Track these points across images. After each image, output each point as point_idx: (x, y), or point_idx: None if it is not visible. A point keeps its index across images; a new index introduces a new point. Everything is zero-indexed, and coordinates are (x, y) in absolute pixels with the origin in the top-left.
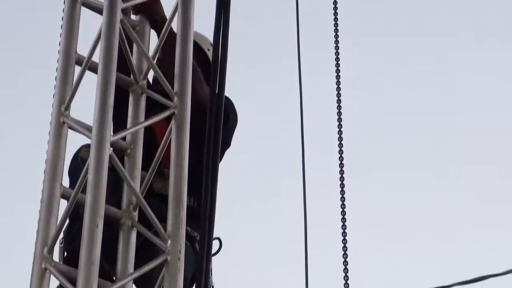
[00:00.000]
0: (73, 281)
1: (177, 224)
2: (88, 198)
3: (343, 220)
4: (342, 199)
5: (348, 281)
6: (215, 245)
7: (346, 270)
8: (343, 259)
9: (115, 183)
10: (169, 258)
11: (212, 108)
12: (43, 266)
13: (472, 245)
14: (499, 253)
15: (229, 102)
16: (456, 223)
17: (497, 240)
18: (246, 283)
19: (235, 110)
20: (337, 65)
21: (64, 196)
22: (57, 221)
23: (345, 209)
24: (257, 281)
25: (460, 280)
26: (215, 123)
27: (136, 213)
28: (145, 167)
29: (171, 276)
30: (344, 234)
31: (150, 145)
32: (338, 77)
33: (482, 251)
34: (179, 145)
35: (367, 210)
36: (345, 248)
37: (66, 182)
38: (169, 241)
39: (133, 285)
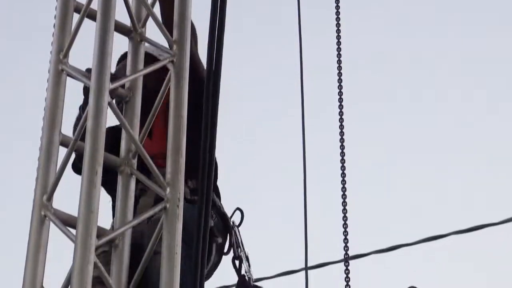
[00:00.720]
0: (72, 228)
1: (176, 172)
2: (87, 145)
3: (343, 168)
4: (342, 154)
5: (348, 237)
6: (237, 216)
7: (345, 226)
8: (343, 215)
9: None
10: (168, 205)
11: (209, 83)
12: (42, 213)
13: (470, 194)
14: (498, 202)
15: None
16: (457, 173)
17: (496, 189)
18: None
19: None
20: (337, 7)
21: (63, 143)
22: (56, 168)
23: (344, 164)
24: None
25: (457, 229)
26: (212, 98)
27: (135, 161)
28: None
29: (170, 223)
30: (343, 188)
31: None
32: (338, 25)
33: (480, 200)
34: (178, 93)
35: (367, 161)
36: (344, 195)
37: (65, 129)
38: (168, 189)
39: None
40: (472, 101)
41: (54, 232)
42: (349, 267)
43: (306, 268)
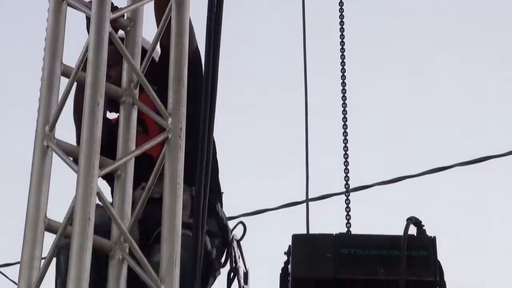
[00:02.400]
0: (74, 159)
1: (178, 102)
2: (89, 76)
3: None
4: (343, 84)
5: (348, 167)
6: (239, 229)
7: (346, 156)
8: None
9: None
10: (170, 135)
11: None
12: (44, 143)
13: (474, 123)
14: (503, 134)
15: None
16: (461, 102)
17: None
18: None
19: None
20: None
21: (65, 73)
22: (58, 98)
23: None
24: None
25: (461, 161)
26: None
27: (136, 92)
28: None
29: (172, 153)
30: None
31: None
32: None
33: (483, 130)
34: (179, 22)
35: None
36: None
37: (66, 59)
38: (170, 119)
39: None
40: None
41: (57, 163)
42: (349, 198)
43: (307, 200)
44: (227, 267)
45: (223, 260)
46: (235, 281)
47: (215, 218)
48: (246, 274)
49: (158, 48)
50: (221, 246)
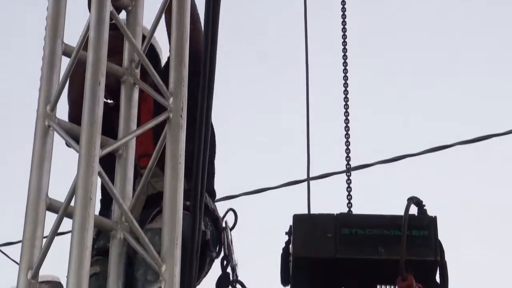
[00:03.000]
0: (76, 138)
1: (179, 82)
2: (90, 55)
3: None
4: (344, 57)
5: (350, 147)
6: (230, 217)
7: (347, 136)
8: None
9: None
10: (171, 115)
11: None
12: (46, 123)
13: (476, 102)
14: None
15: None
16: (462, 82)
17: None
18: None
19: None
20: None
21: (66, 53)
22: (59, 78)
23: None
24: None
25: (461, 140)
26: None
27: (138, 71)
28: None
29: (173, 133)
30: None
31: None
32: None
33: (485, 109)
34: (180, 3)
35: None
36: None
37: (67, 39)
38: (171, 99)
39: None
40: None
41: (58, 143)
42: (350, 177)
43: (308, 179)
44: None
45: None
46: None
47: (206, 211)
48: (235, 266)
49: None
50: (215, 235)
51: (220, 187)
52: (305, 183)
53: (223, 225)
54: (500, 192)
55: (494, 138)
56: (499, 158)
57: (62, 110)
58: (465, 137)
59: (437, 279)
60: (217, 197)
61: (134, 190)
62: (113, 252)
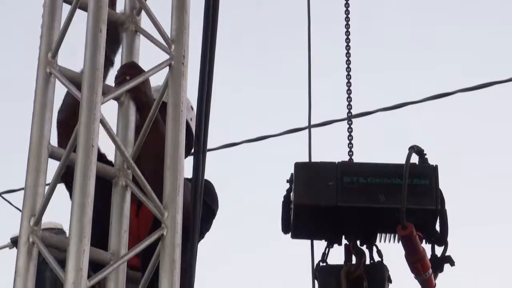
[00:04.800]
0: (77, 86)
1: (181, 28)
2: (91, 3)
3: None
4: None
5: (351, 95)
6: None
7: (349, 84)
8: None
9: None
10: (173, 63)
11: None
12: (47, 70)
13: (477, 50)
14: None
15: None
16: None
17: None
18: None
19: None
20: None
21: (67, 0)
22: (60, 25)
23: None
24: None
25: (463, 87)
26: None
27: (139, 18)
28: None
29: (175, 80)
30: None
31: None
32: None
33: (485, 58)
34: None
35: None
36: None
37: None
38: (173, 46)
39: None
40: None
41: (60, 90)
42: (352, 125)
43: (310, 126)
44: None
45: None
46: None
47: None
48: None
49: None
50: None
51: (221, 134)
52: (306, 131)
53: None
54: (502, 140)
55: (495, 86)
56: (500, 105)
57: (64, 58)
58: (466, 84)
59: (437, 227)
60: (218, 144)
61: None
62: (115, 200)
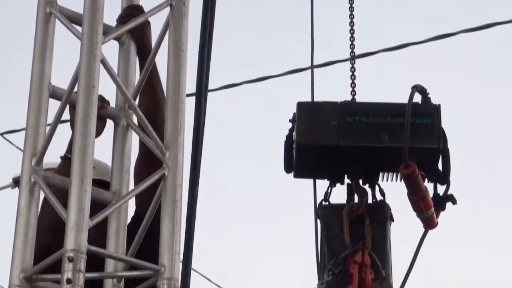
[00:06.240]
0: (78, 25)
1: None
2: None
3: None
4: None
5: (354, 35)
6: None
7: (352, 24)
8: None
9: None
10: (174, 2)
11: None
12: (47, 10)
13: None
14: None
15: None
16: None
17: None
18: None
19: None
20: None
21: None
22: None
23: None
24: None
25: (466, 28)
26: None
27: None
28: None
29: (176, 21)
30: None
31: None
32: None
33: None
34: None
35: None
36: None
37: None
38: None
39: None
40: None
41: (60, 30)
42: (355, 65)
43: (312, 67)
44: None
45: None
46: None
47: None
48: None
49: None
50: None
51: (221, 75)
52: (309, 71)
53: None
54: (504, 79)
55: (497, 26)
56: (502, 46)
57: None
58: (469, 25)
59: (440, 166)
60: (218, 85)
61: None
62: (117, 140)
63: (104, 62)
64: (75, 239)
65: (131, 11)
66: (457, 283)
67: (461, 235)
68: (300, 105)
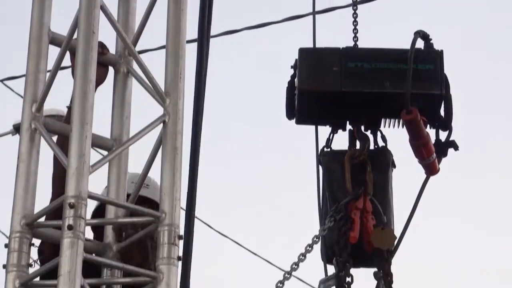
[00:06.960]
0: None
1: None
2: None
3: None
4: None
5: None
6: None
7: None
8: None
9: None
10: None
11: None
12: None
13: None
14: None
15: None
16: None
17: None
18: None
19: None
20: None
21: None
22: None
23: None
24: None
25: None
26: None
27: None
28: None
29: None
30: None
31: None
32: None
33: None
34: None
35: None
36: None
37: None
38: None
39: None
40: None
41: None
42: (357, 11)
43: (314, 13)
44: None
45: None
46: None
47: None
48: None
49: None
50: None
51: (221, 21)
52: (311, 17)
53: None
54: (507, 26)
55: None
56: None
57: None
58: None
59: (442, 112)
60: (218, 31)
61: None
62: (117, 87)
63: (103, 8)
64: (76, 185)
65: None
66: None
67: None
68: (302, 51)
